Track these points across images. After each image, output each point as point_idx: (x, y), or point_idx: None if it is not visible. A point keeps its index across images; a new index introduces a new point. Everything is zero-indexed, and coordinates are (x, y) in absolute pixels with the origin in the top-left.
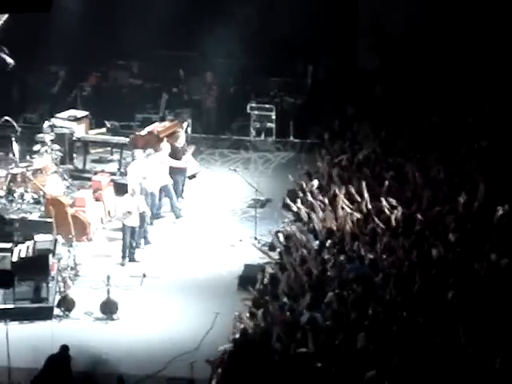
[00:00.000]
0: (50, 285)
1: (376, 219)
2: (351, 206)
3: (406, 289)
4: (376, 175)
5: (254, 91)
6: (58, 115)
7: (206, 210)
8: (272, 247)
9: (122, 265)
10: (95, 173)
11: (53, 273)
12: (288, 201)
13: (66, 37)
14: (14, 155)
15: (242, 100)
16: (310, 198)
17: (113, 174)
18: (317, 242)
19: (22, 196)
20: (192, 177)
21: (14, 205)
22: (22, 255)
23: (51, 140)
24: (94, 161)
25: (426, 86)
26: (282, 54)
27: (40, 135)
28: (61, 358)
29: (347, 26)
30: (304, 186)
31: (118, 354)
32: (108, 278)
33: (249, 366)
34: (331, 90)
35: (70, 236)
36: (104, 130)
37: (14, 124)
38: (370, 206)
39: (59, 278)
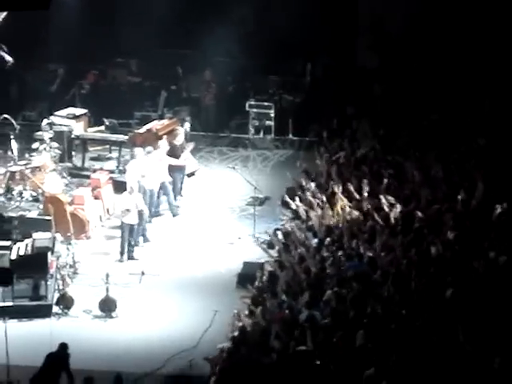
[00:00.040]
0: (48, 283)
1: (375, 217)
2: (350, 204)
3: (405, 287)
4: (375, 173)
5: (253, 89)
6: (56, 113)
7: (205, 208)
8: (271, 245)
9: (121, 261)
10: (94, 171)
11: (51, 271)
12: (287, 198)
13: (64, 35)
14: (12, 153)
15: (240, 98)
16: (308, 195)
17: (111, 171)
18: (315, 240)
19: (20, 194)
20: (191, 175)
21: (12, 203)
22: (21, 253)
23: (50, 138)
24: (92, 159)
25: (425, 85)
26: (280, 52)
27: (39, 133)
28: (60, 356)
29: (346, 24)
30: (303, 183)
31: (117, 352)
32: (107, 275)
33: (247, 364)
34: (330, 88)
35: (69, 234)
36: (103, 127)
37: (13, 122)
38: (368, 204)
39: (58, 276)
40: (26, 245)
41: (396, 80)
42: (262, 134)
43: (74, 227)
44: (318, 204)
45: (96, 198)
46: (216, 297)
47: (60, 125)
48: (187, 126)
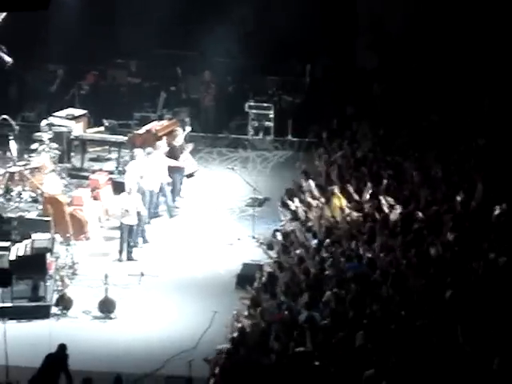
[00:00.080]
0: (47, 283)
1: (374, 218)
2: (349, 205)
3: (404, 288)
4: (374, 174)
5: (253, 90)
6: (56, 114)
7: (204, 209)
8: (270, 246)
9: (120, 261)
10: (93, 171)
11: (51, 271)
12: (286, 200)
13: (64, 35)
14: (11, 154)
15: (240, 99)
16: (307, 196)
17: (111, 172)
18: (315, 241)
19: (19, 194)
20: (190, 175)
21: (11, 203)
22: (20, 254)
23: (49, 138)
24: (91, 159)
25: (425, 85)
26: (280, 53)
27: (38, 134)
28: (58, 357)
29: (346, 25)
30: (302, 184)
31: (116, 353)
32: (106, 276)
33: (247, 364)
34: (329, 88)
35: (68, 235)
36: (102, 128)
37: (12, 122)
38: (368, 205)
39: (57, 277)
40: (25, 246)
41: (395, 80)
42: (261, 135)
43: (73, 228)
44: (317, 205)
45: (95, 198)
46: (215, 298)
47: (59, 125)
48: (188, 129)
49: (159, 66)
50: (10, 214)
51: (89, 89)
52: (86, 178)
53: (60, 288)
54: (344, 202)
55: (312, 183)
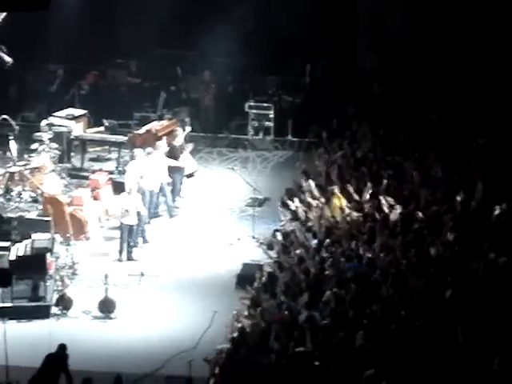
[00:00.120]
0: (47, 283)
1: (374, 218)
2: (349, 205)
3: (404, 288)
4: (374, 174)
5: (253, 90)
6: (56, 114)
7: (204, 209)
8: (270, 246)
9: (120, 260)
10: (93, 171)
11: (50, 271)
12: (286, 199)
13: (64, 35)
14: (11, 154)
15: (240, 99)
16: (307, 196)
17: (111, 172)
18: (315, 241)
19: (19, 194)
20: (190, 175)
21: (11, 203)
22: (20, 254)
23: (49, 138)
24: (91, 159)
25: (425, 85)
26: (280, 53)
27: (38, 134)
28: (58, 357)
29: (346, 25)
30: (302, 184)
31: (116, 353)
32: (106, 276)
33: (247, 364)
34: (329, 88)
35: (68, 235)
36: (102, 128)
37: (12, 122)
38: (368, 205)
39: (57, 277)
40: (25, 246)
41: (395, 80)
42: (261, 135)
43: (73, 228)
44: (317, 205)
45: (95, 198)
46: (215, 298)
47: (59, 125)
48: (188, 129)
49: (159, 65)
50: (10, 214)
51: (89, 89)
52: (86, 178)
53: (60, 288)
54: (344, 202)
55: (312, 183)
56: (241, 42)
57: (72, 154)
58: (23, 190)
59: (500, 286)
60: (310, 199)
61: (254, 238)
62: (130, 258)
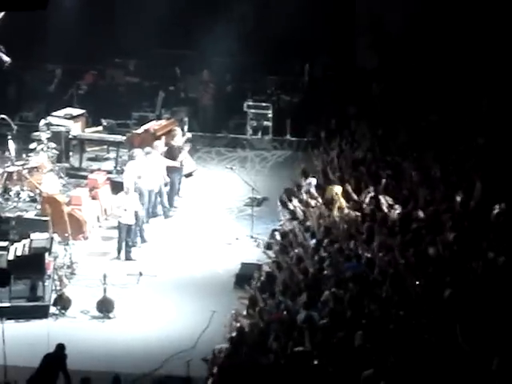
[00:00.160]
0: (46, 283)
1: (373, 217)
2: (348, 205)
3: (403, 287)
4: (373, 173)
5: (251, 89)
6: (54, 113)
7: (203, 209)
8: (269, 246)
9: (118, 259)
10: (91, 171)
11: (49, 271)
12: (284, 199)
13: (62, 35)
14: (10, 153)
15: (238, 98)
16: (305, 196)
17: (109, 172)
18: (313, 241)
19: (18, 194)
20: (189, 175)
21: (10, 203)
22: (18, 253)
23: (47, 138)
24: (90, 159)
25: (424, 85)
26: (279, 53)
27: (36, 133)
28: (57, 357)
29: (346, 25)
30: (301, 184)
31: (115, 353)
32: (104, 276)
33: (245, 364)
34: (328, 88)
35: (67, 234)
36: (100, 128)
37: (11, 122)
38: (366, 205)
39: (55, 277)
40: (24, 245)
41: (395, 80)
42: (259, 135)
43: (72, 228)
44: (315, 204)
45: (93, 198)
46: (214, 297)
47: (57, 125)
48: (188, 135)
49: (158, 65)
50: (8, 214)
51: (87, 88)
52: (85, 177)
53: (58, 288)
54: (342, 202)
55: (313, 181)
56: (240, 41)
57: (70, 153)
58: (21, 190)
59: (499, 285)
60: (308, 199)
61: (252, 237)
62: (128, 258)
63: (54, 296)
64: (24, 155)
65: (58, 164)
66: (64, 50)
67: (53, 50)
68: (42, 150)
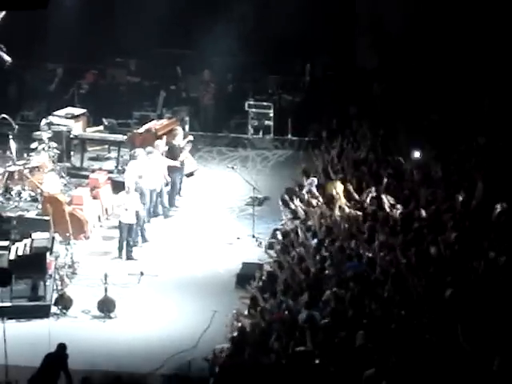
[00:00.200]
0: (47, 283)
1: (374, 217)
2: (349, 204)
3: (404, 287)
4: (374, 173)
5: (252, 89)
6: (55, 113)
7: (204, 208)
8: (271, 245)
9: (119, 257)
10: (93, 171)
11: (50, 271)
12: (286, 198)
13: (63, 34)
14: (11, 153)
15: (239, 98)
16: (307, 196)
17: (110, 171)
18: (315, 240)
19: (19, 194)
20: (190, 175)
21: (11, 203)
22: (20, 253)
23: (48, 138)
24: (91, 158)
25: (425, 85)
26: (280, 52)
27: (37, 133)
28: (58, 357)
29: (346, 25)
30: (302, 183)
31: (116, 352)
32: (105, 276)
33: (247, 364)
34: (329, 88)
35: (68, 234)
36: (101, 127)
37: (12, 122)
38: (368, 204)
39: (56, 276)
40: (25, 245)
41: (395, 80)
42: (261, 134)
43: (73, 227)
44: (316, 204)
45: (95, 198)
46: (215, 297)
47: (59, 124)
48: (190, 138)
49: (159, 65)
50: (9, 214)
51: (88, 88)
52: (86, 177)
53: (59, 287)
54: (344, 201)
55: (315, 180)
56: (240, 41)
57: (71, 153)
58: (23, 190)
59: (500, 285)
60: (309, 198)
61: (253, 237)
62: (129, 258)
63: (55, 296)
64: (25, 155)
65: (59, 163)
66: (65, 49)
67: (53, 49)
68: (43, 149)
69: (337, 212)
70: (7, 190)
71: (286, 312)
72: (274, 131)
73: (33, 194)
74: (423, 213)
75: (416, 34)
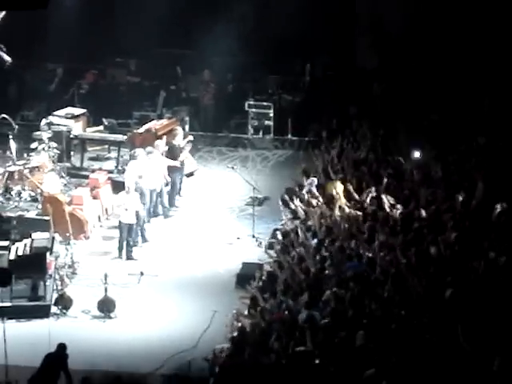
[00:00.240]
0: (47, 283)
1: (374, 217)
2: (349, 204)
3: (405, 287)
4: (374, 173)
5: (252, 89)
6: (55, 113)
7: (204, 208)
8: (271, 246)
9: (119, 257)
10: (93, 171)
11: (50, 271)
12: (286, 198)
13: (63, 34)
14: (11, 153)
15: (239, 98)
16: (307, 196)
17: (110, 171)
18: (315, 240)
19: (19, 194)
20: (190, 175)
21: (11, 203)
22: (20, 253)
23: (48, 138)
24: (91, 158)
25: (425, 85)
26: (280, 52)
27: (37, 133)
28: (58, 357)
29: (346, 25)
30: (302, 183)
31: (116, 352)
32: (105, 276)
33: (247, 364)
34: (329, 88)
35: (68, 234)
36: (101, 127)
37: (12, 122)
38: (368, 204)
39: (56, 276)
40: (25, 245)
41: (395, 80)
42: (261, 134)
43: (73, 227)
44: (316, 204)
45: (95, 198)
46: (215, 297)
47: (59, 124)
48: (191, 138)
49: (159, 65)
50: (9, 214)
51: (88, 88)
52: (86, 177)
53: (59, 287)
54: (343, 201)
55: (315, 180)
56: (240, 41)
57: (71, 153)
58: (23, 189)
59: (500, 285)
60: (309, 198)
61: (253, 237)
62: (129, 258)
63: (55, 296)
64: (25, 155)
65: (59, 163)
66: (65, 49)
67: (53, 49)
68: (43, 149)
69: (337, 212)
70: (7, 189)
71: (286, 312)
72: (274, 131)
73: (33, 193)
74: (423, 213)
75: (416, 33)
